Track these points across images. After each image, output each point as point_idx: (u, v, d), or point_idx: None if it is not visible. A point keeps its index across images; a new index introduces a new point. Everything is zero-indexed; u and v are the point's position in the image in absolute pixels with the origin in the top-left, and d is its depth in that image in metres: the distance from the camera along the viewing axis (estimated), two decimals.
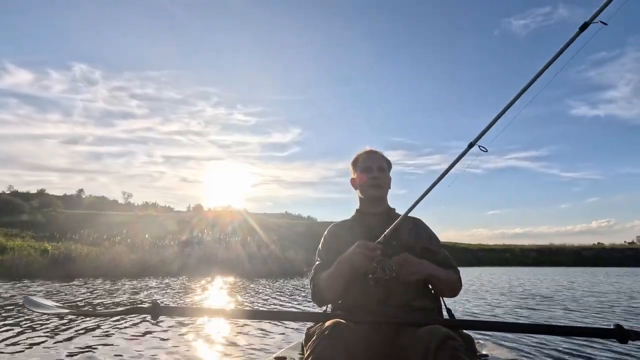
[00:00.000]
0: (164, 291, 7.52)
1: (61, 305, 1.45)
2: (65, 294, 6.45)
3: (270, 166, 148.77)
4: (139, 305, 1.19)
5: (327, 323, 1.15)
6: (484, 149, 1.18)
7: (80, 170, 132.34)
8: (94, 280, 9.93)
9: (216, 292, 7.87)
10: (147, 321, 4.00)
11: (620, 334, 0.97)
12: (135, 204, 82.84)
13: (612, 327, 0.98)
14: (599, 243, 75.70)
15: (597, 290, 9.60)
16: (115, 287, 7.99)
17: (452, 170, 1.28)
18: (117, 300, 6.02)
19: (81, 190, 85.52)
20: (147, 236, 16.28)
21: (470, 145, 1.22)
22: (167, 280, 10.52)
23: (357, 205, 1.70)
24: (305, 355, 1.12)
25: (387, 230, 1.37)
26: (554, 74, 1.10)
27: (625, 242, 79.28)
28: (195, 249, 15.99)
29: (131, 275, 12.09)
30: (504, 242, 78.51)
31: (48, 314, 1.47)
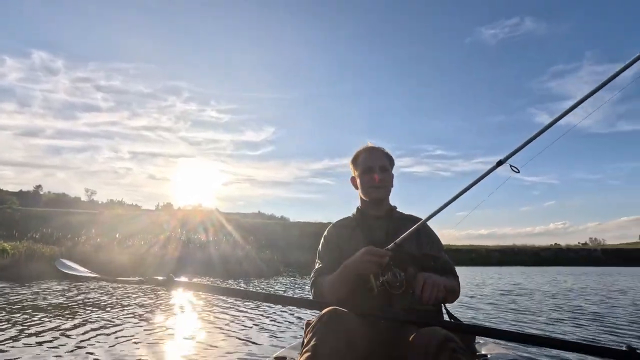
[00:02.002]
0: (135, 293, 7.25)
1: (88, 270, 1.73)
2: (29, 298, 6.08)
3: (243, 165, 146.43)
4: (155, 277, 1.32)
5: (326, 309, 1.15)
6: (516, 169, 1.07)
7: (38, 165, 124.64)
8: (59, 282, 9.40)
9: (191, 295, 7.67)
10: (147, 320, 3.94)
11: (632, 357, 0.93)
12: (100, 202, 79.10)
13: (623, 348, 0.95)
14: (555, 244, 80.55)
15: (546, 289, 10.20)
16: (82, 290, 7.61)
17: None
18: (84, 301, 5.75)
19: (39, 187, 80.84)
20: (117, 235, 15.57)
21: (500, 163, 1.11)
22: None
23: (357, 203, 1.65)
24: (306, 341, 1.12)
25: (399, 238, 1.36)
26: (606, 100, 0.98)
27: (579, 242, 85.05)
28: (167, 249, 15.48)
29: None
30: (470, 243, 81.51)
31: (77, 277, 1.72)
